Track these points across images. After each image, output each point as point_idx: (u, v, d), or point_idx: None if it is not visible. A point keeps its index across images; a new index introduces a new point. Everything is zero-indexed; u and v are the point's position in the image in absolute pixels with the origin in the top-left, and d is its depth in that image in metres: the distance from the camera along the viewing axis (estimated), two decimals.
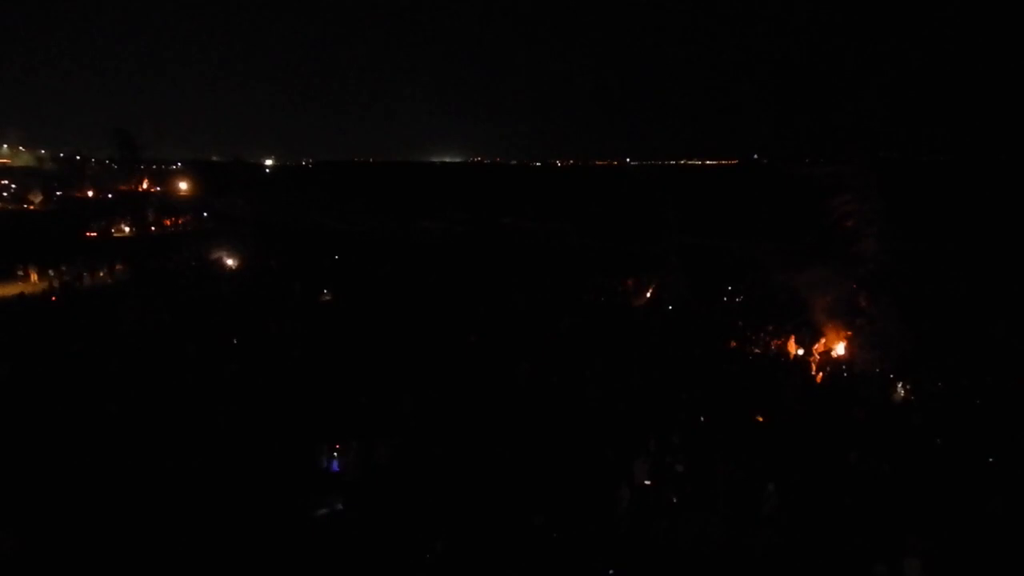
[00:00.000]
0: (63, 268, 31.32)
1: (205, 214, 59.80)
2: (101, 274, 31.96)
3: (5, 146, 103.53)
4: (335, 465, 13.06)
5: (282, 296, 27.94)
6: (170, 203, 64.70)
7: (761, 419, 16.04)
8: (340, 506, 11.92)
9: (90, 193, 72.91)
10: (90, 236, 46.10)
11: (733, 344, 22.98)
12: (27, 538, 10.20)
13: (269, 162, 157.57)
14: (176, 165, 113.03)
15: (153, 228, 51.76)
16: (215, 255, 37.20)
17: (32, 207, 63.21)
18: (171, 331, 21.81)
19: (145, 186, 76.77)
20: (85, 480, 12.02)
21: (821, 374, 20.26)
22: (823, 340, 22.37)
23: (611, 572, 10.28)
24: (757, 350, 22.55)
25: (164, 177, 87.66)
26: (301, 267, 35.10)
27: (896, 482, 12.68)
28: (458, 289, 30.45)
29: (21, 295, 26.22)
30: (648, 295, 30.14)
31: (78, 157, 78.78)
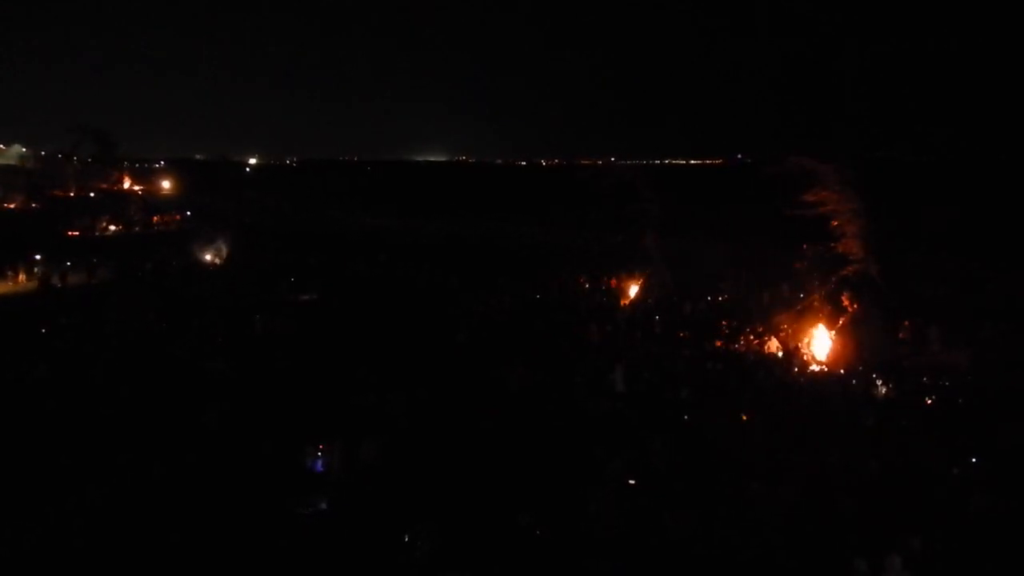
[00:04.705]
0: (46, 267, 30.98)
1: (189, 212, 59.47)
2: (85, 272, 31.68)
3: None
4: (318, 464, 13.01)
5: (269, 294, 27.82)
6: (154, 201, 64.27)
7: (747, 418, 16.15)
8: (324, 505, 11.89)
9: (72, 192, 72.18)
10: (73, 234, 45.69)
11: (718, 343, 23.13)
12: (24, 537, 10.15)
13: (253, 160, 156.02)
14: (159, 163, 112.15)
15: (137, 227, 51.38)
16: (199, 253, 36.97)
17: (13, 205, 62.46)
18: (157, 329, 21.68)
19: (128, 184, 76.19)
20: (72, 479, 11.93)
21: (806, 372, 20.46)
22: (808, 339, 22.56)
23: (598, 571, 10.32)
24: (743, 349, 22.70)
25: (148, 175, 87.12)
26: (288, 265, 34.95)
27: (884, 479, 12.80)
28: (446, 288, 30.46)
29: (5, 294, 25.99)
30: (633, 294, 30.27)
31: (60, 155, 78.08)
